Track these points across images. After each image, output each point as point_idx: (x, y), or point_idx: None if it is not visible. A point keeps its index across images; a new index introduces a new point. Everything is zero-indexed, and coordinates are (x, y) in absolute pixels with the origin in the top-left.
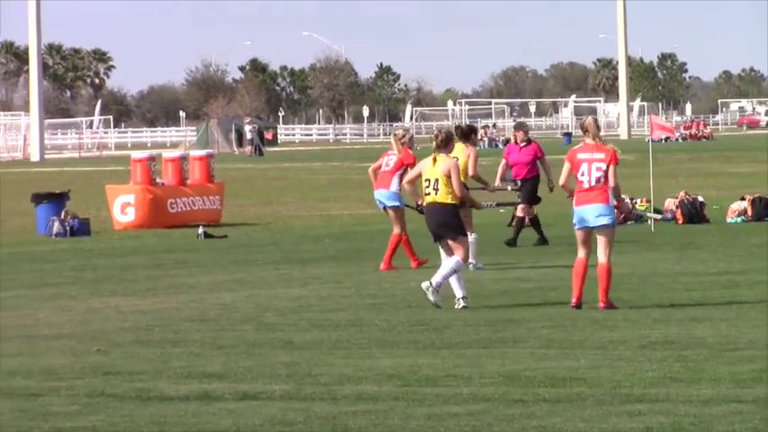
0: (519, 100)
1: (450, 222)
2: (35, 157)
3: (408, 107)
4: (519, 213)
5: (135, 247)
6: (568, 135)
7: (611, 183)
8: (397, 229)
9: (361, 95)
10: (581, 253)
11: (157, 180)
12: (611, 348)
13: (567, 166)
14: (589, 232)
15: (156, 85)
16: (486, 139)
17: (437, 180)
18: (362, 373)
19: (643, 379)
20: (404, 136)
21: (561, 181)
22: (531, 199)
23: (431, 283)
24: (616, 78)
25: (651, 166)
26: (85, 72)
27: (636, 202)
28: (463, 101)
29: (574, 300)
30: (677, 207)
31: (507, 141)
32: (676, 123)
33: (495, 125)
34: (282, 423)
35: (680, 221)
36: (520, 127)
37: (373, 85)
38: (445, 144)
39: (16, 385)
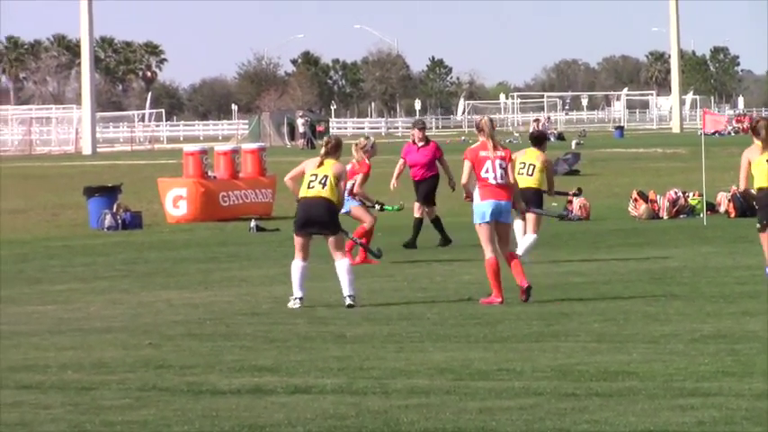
0: (571, 93)
1: (329, 219)
2: (87, 150)
3: (461, 100)
4: (416, 214)
5: (187, 240)
6: (620, 129)
7: (512, 180)
8: (368, 223)
9: (413, 89)
10: (490, 251)
11: (209, 173)
12: (663, 342)
13: (467, 165)
14: (495, 227)
15: (208, 79)
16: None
17: (326, 176)
18: (414, 366)
19: (695, 373)
20: (365, 145)
21: (463, 180)
22: (429, 199)
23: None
24: (668, 71)
25: (704, 159)
26: (137, 65)
27: (688, 196)
28: (515, 94)
29: (500, 299)
30: (729, 200)
31: (560, 135)
32: (728, 117)
33: (548, 118)
34: (334, 417)
35: (732, 215)
36: (417, 125)
37: (425, 79)
38: (334, 150)
39: (68, 379)
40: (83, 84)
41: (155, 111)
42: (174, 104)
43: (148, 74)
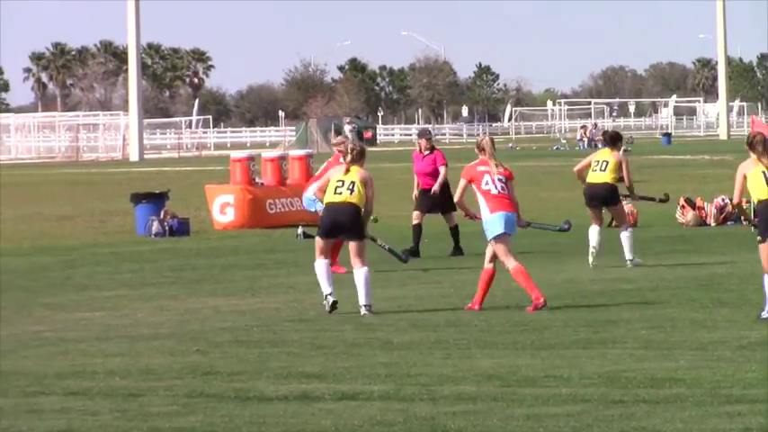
0: (618, 100)
1: (356, 224)
2: (134, 156)
3: (508, 107)
4: (415, 221)
5: (234, 246)
6: (668, 136)
7: (514, 197)
8: None
9: (460, 95)
10: (513, 260)
11: (257, 180)
12: (711, 349)
13: (462, 183)
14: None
15: (255, 85)
16: (585, 138)
17: (353, 182)
18: (462, 373)
19: (743, 380)
20: (341, 143)
21: (456, 198)
22: (447, 207)
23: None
24: (715, 78)
25: None
26: (184, 72)
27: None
28: (562, 101)
29: (477, 306)
30: None
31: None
32: None
33: (595, 125)
34: (381, 423)
35: None
36: (423, 134)
37: (472, 85)
38: (359, 158)
39: (115, 385)
40: (130, 90)
41: (202, 117)
42: (221, 111)
43: (195, 80)
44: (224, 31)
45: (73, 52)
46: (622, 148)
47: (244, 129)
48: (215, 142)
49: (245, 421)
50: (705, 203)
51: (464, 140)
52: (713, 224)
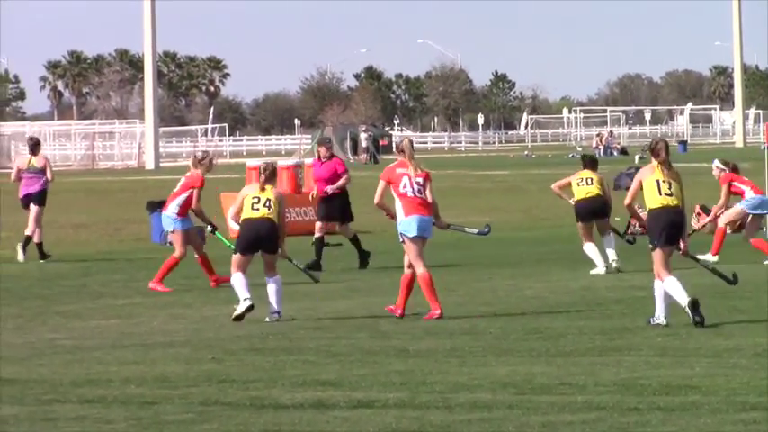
0: (634, 108)
1: (274, 238)
2: (150, 164)
3: (524, 115)
4: (317, 234)
5: None
6: (684, 143)
7: (430, 199)
8: (177, 252)
9: (476, 103)
10: (421, 265)
11: None
12: (726, 356)
13: (381, 184)
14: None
15: (271, 93)
16: (601, 146)
17: (269, 199)
18: (477, 381)
19: (758, 387)
20: (204, 158)
21: (375, 200)
22: (345, 217)
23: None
24: (731, 86)
25: (766, 174)
26: (200, 80)
27: None
28: (578, 108)
29: (400, 311)
30: None
31: (623, 150)
32: None
33: (611, 133)
34: (397, 431)
35: None
36: (323, 142)
37: (488, 93)
38: (273, 176)
39: (131, 393)
40: (146, 98)
41: (218, 125)
42: (236, 119)
43: (211, 88)
44: (240, 39)
45: (89, 60)
46: (638, 156)
47: (259, 137)
48: (231, 150)
49: (260, 429)
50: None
51: (480, 148)
52: (729, 232)
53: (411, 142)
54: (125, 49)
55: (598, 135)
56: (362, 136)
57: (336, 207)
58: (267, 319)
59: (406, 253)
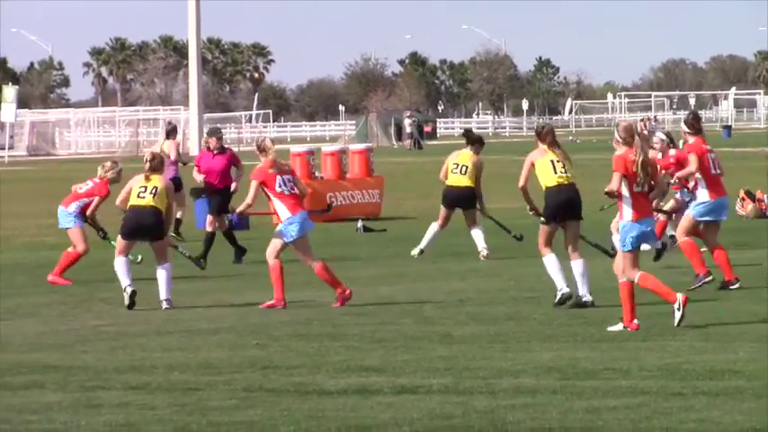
0: (678, 92)
1: (159, 226)
2: (194, 151)
3: (568, 100)
4: (208, 228)
5: None
6: (728, 128)
7: (304, 191)
8: (79, 247)
9: (520, 89)
10: (273, 258)
11: (317, 174)
12: None
13: (254, 184)
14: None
15: (316, 79)
16: (646, 131)
17: (155, 188)
18: (521, 366)
19: None
20: (111, 169)
21: (248, 200)
22: (223, 210)
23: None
24: None
25: None
26: (245, 66)
27: None
28: (623, 94)
29: (281, 304)
30: None
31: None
32: None
33: (655, 118)
34: (441, 417)
35: None
36: (213, 133)
37: (533, 79)
38: (160, 166)
39: (175, 380)
40: (190, 85)
41: (262, 112)
42: (281, 105)
43: (256, 75)
44: (284, 25)
45: (133, 47)
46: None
47: (304, 123)
48: (275, 137)
49: (304, 415)
50: (765, 196)
51: (524, 133)
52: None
53: (272, 140)
54: (169, 36)
55: (642, 120)
56: (407, 122)
57: (226, 199)
58: (162, 307)
59: (298, 251)
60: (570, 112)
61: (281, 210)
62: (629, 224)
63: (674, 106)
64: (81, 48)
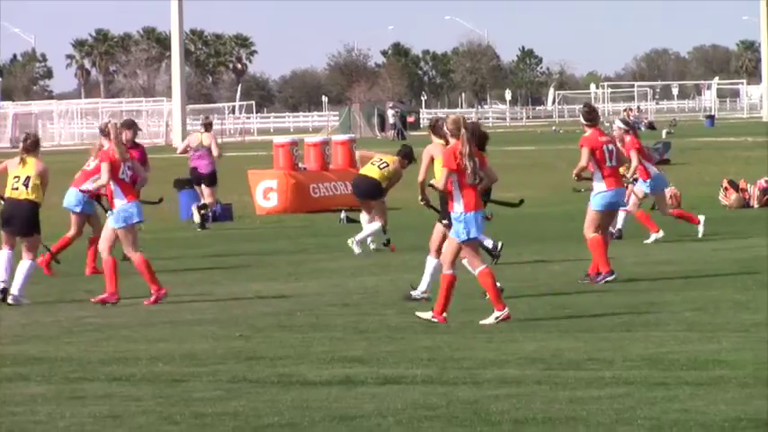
0: (661, 83)
1: (29, 222)
2: (177, 142)
3: (551, 90)
4: None
5: (277, 232)
6: (711, 118)
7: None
8: (72, 232)
9: (503, 79)
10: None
11: (300, 165)
12: (754, 331)
13: (105, 167)
14: None
15: (299, 70)
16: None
17: (28, 177)
18: (505, 356)
19: None
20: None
21: (103, 181)
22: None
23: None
24: (759, 60)
25: None
26: (227, 57)
27: None
28: (605, 84)
29: (114, 298)
30: None
31: (651, 125)
32: None
33: (638, 108)
34: (424, 407)
35: None
36: (130, 126)
37: (515, 69)
38: (34, 147)
39: (158, 371)
40: (173, 76)
41: (245, 103)
42: (264, 96)
43: (238, 66)
44: (267, 16)
45: (116, 39)
46: (665, 131)
47: (287, 114)
48: (258, 128)
49: (287, 406)
50: (748, 185)
51: (507, 124)
52: (756, 206)
53: (115, 125)
54: (152, 27)
55: (625, 110)
56: (389, 113)
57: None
58: (8, 301)
59: (124, 240)
60: (553, 103)
61: (118, 195)
62: (464, 216)
63: (657, 96)
64: (64, 39)
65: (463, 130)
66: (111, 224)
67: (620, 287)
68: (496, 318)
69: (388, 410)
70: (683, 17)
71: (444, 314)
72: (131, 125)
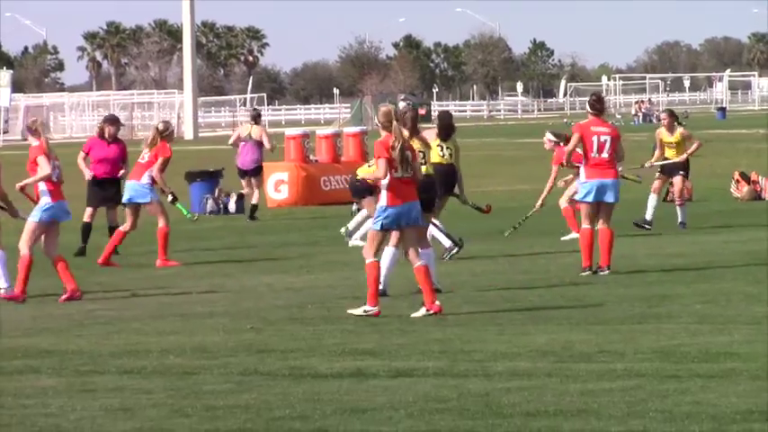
0: (673, 75)
1: None
2: (189, 135)
3: (562, 83)
4: (86, 219)
5: (288, 224)
6: (722, 110)
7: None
8: (161, 222)
9: (515, 71)
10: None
11: (311, 157)
12: (766, 323)
13: (42, 159)
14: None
15: (310, 63)
16: (640, 114)
17: None
18: (516, 349)
19: None
20: (166, 129)
21: (40, 176)
22: (117, 201)
23: None
24: None
25: None
26: (239, 50)
27: None
28: (617, 76)
29: (22, 297)
30: None
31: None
32: None
33: (649, 100)
34: (436, 400)
35: None
36: (113, 122)
37: (527, 61)
38: None
39: (170, 363)
40: (184, 69)
41: (256, 95)
42: (275, 89)
43: (250, 58)
44: (278, 8)
45: (127, 31)
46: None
47: (298, 106)
48: (269, 120)
49: (299, 398)
50: (760, 177)
51: (519, 116)
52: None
53: (41, 122)
54: (163, 20)
55: (637, 102)
56: (401, 105)
57: (111, 192)
58: None
59: (44, 235)
60: (565, 95)
61: (44, 194)
62: (385, 208)
63: (669, 88)
64: (75, 32)
65: (395, 123)
66: (30, 217)
67: (631, 280)
68: (366, 311)
69: (399, 403)
70: (695, 9)
71: (377, 304)
72: (114, 121)
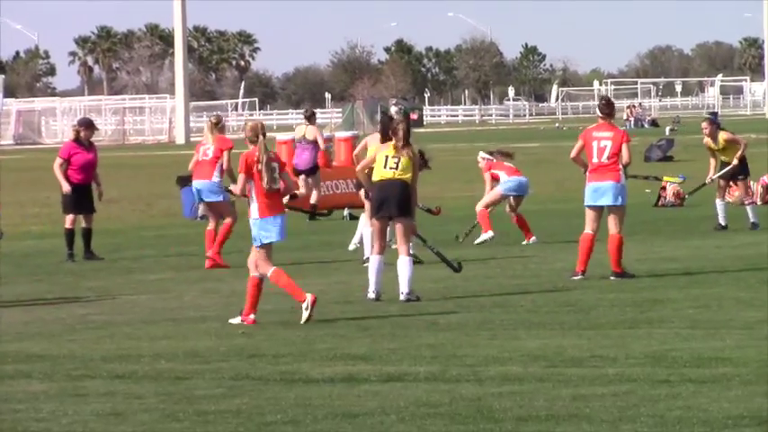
0: (665, 79)
1: None
2: (180, 139)
3: (554, 87)
4: (67, 225)
5: None
6: (714, 114)
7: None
8: (229, 219)
9: (506, 76)
10: None
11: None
12: (758, 328)
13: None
14: None
15: (302, 67)
16: (632, 118)
17: None
18: (508, 354)
19: None
20: (218, 122)
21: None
22: (92, 207)
23: None
24: (762, 57)
25: None
26: (231, 54)
27: None
28: (609, 81)
29: None
30: None
31: (654, 122)
32: None
33: (641, 105)
34: (428, 405)
35: None
36: (89, 126)
37: (519, 66)
38: None
39: (161, 368)
40: (176, 73)
41: (248, 100)
42: (267, 93)
43: (241, 63)
44: (270, 13)
45: (119, 36)
46: (669, 128)
47: (290, 111)
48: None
49: (290, 403)
50: (751, 182)
51: (510, 121)
52: (759, 203)
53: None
54: (155, 24)
55: (629, 107)
56: (393, 109)
57: (88, 199)
58: None
59: None
60: (557, 100)
61: None
62: (258, 221)
63: (660, 93)
64: (67, 36)
65: (261, 137)
66: None
67: (623, 284)
68: (305, 307)
69: (390, 408)
70: (687, 14)
71: (252, 315)
72: (90, 125)
